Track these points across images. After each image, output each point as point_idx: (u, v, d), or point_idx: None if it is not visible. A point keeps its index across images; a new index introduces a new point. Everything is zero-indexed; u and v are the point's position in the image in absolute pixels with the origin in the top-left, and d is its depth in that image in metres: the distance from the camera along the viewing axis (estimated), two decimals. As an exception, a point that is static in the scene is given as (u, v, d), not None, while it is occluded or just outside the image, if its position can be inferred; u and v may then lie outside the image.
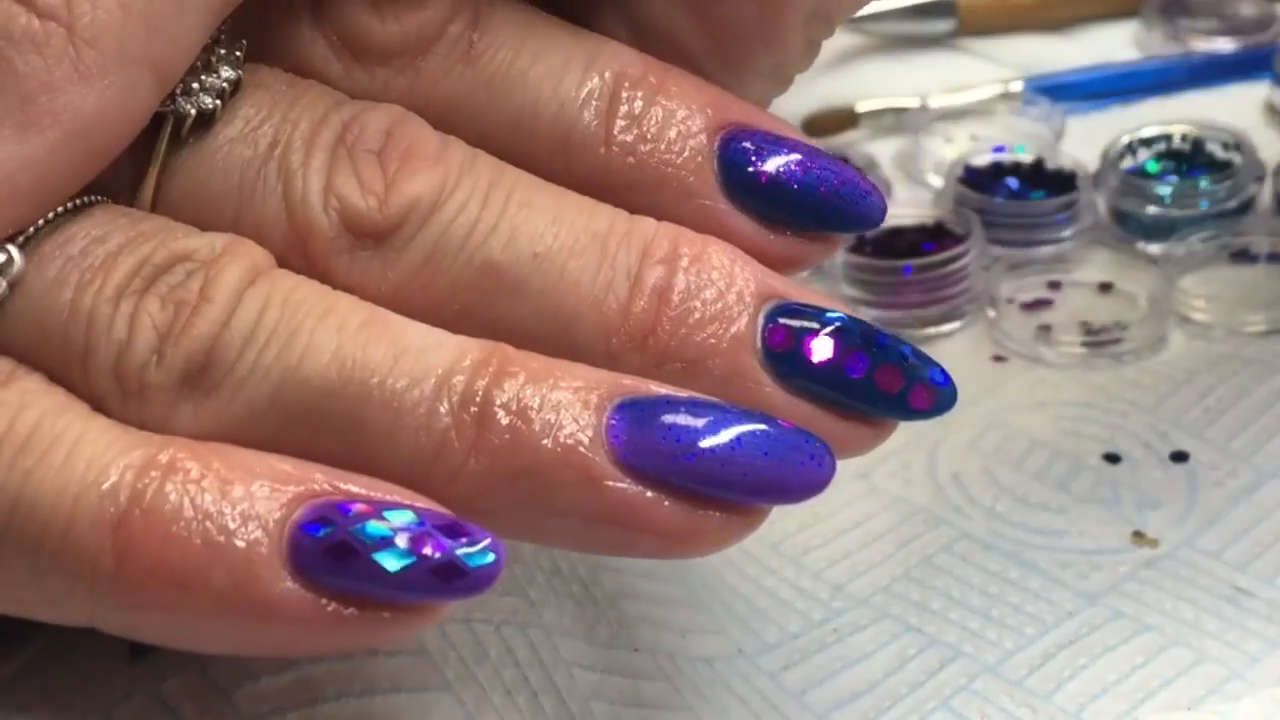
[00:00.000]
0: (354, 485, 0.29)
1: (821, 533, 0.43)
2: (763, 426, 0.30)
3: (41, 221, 0.30)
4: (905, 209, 0.53)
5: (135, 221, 0.31)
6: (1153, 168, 0.54)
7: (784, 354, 0.31)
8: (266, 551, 0.28)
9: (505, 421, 0.29)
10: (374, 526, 0.28)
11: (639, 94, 0.33)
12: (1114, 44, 0.63)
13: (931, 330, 0.50)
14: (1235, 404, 0.47)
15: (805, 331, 0.32)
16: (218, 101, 0.31)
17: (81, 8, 0.29)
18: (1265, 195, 0.54)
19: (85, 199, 0.31)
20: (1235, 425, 0.46)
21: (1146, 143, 0.55)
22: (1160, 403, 0.47)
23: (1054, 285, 0.51)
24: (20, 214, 0.30)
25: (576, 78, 0.33)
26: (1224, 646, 0.39)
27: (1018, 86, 0.60)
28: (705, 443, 0.30)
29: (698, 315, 0.31)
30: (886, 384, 0.32)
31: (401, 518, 0.28)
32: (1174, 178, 0.54)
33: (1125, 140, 0.55)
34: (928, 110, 0.59)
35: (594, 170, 0.33)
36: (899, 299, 0.50)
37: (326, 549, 0.28)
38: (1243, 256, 0.52)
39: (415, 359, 0.30)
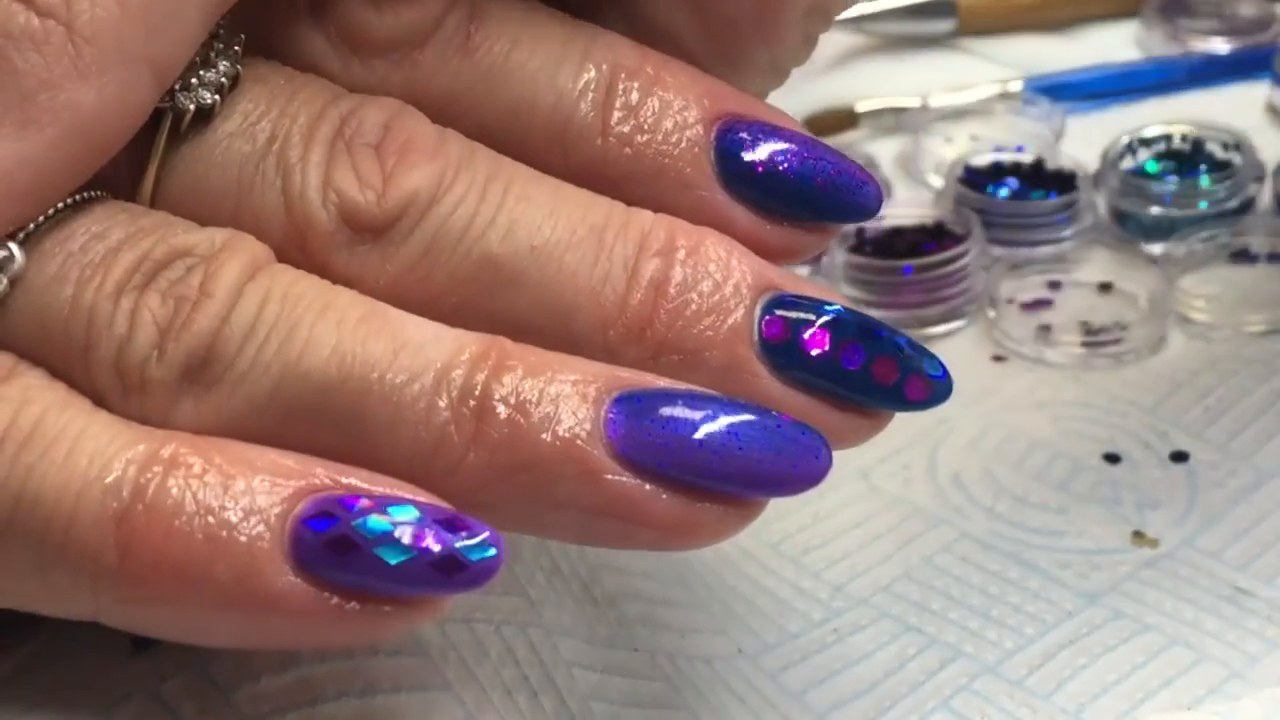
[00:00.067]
0: (355, 479, 0.29)
1: (821, 533, 0.43)
2: (760, 419, 0.30)
3: (42, 218, 0.30)
4: (905, 209, 0.53)
5: (135, 217, 0.31)
6: (1153, 168, 0.54)
7: (780, 345, 0.32)
8: (268, 545, 0.28)
9: (504, 415, 0.29)
10: (375, 521, 0.28)
11: (635, 85, 0.33)
12: (1114, 44, 0.63)
13: (931, 330, 0.50)
14: (1235, 404, 0.47)
15: (801, 323, 0.32)
16: (216, 97, 0.31)
17: (80, 5, 0.29)
18: (1265, 195, 0.54)
19: (85, 194, 0.31)
20: (1235, 425, 0.46)
21: (1146, 143, 0.55)
22: (1160, 403, 0.47)
23: (1054, 285, 0.51)
24: (20, 211, 0.30)
25: (573, 69, 0.33)
26: (1224, 646, 0.39)
27: (1017, 86, 0.60)
28: (702, 435, 0.30)
29: (694, 307, 0.31)
30: (882, 375, 0.32)
31: (402, 512, 0.28)
32: (1174, 178, 0.54)
33: (1125, 140, 0.55)
34: (928, 110, 0.59)
35: (591, 161, 0.33)
36: (899, 299, 0.50)
37: (328, 543, 0.28)
38: (1243, 256, 0.52)
39: (414, 353, 0.30)
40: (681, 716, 0.37)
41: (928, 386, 0.32)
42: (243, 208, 0.31)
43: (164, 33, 0.30)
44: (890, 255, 0.51)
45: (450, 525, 0.28)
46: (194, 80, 0.31)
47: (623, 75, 0.33)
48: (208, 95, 0.31)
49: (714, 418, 0.30)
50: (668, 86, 0.33)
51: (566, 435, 0.30)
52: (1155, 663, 0.39)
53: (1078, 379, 0.48)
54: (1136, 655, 0.39)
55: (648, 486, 0.30)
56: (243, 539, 0.28)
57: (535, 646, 0.36)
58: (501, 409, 0.30)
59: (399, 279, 0.31)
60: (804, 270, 0.52)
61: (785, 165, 0.33)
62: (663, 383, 0.30)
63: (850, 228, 0.52)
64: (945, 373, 0.32)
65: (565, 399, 0.30)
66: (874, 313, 0.49)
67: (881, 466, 0.45)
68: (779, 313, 0.32)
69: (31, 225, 0.30)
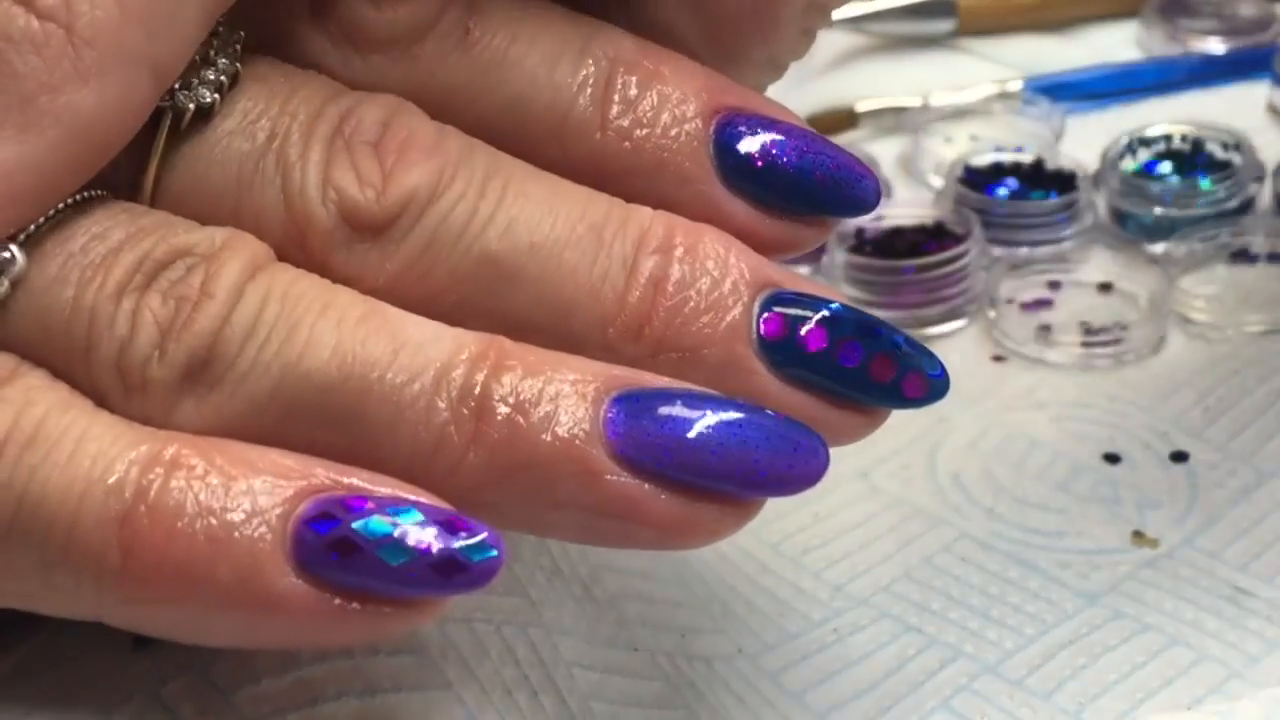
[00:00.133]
0: (355, 480, 0.29)
1: (821, 533, 0.43)
2: (758, 419, 0.30)
3: (42, 219, 0.30)
4: (905, 209, 0.53)
5: (135, 217, 0.31)
6: (1153, 168, 0.54)
7: (778, 343, 0.32)
8: (270, 546, 0.28)
9: (503, 415, 0.30)
10: (376, 522, 0.28)
11: (634, 79, 0.33)
12: (1114, 44, 0.63)
13: (931, 330, 0.50)
14: (1235, 404, 0.47)
15: (800, 320, 0.32)
16: (216, 95, 0.31)
17: (80, 8, 0.29)
18: (1265, 195, 0.54)
19: (85, 194, 0.31)
20: (1235, 425, 0.46)
21: (1146, 143, 0.55)
22: (1160, 403, 0.47)
23: (1054, 285, 0.51)
24: (21, 213, 0.30)
25: (572, 63, 0.33)
26: (1224, 646, 0.39)
27: (1017, 86, 0.60)
28: (701, 435, 0.30)
29: (692, 305, 0.31)
30: (880, 373, 0.32)
31: (403, 514, 0.29)
32: (1174, 178, 0.54)
33: (1125, 140, 0.55)
34: (928, 110, 0.59)
35: (590, 155, 0.33)
36: (899, 299, 0.50)
37: (329, 544, 0.28)
38: (1243, 256, 0.52)
39: (414, 353, 0.30)
40: (681, 716, 0.37)
41: (925, 384, 0.32)
42: (243, 206, 0.31)
43: (164, 34, 0.30)
44: (890, 255, 0.51)
45: (451, 526, 0.29)
46: (194, 79, 0.31)
47: (621, 69, 0.33)
48: (207, 94, 0.31)
49: (712, 417, 0.30)
50: (666, 80, 0.33)
51: (566, 435, 0.30)
52: (1155, 663, 0.39)
53: (1078, 379, 0.48)
54: (1136, 655, 0.39)
55: (646, 486, 0.30)
56: (245, 540, 0.28)
57: (535, 646, 0.36)
58: (501, 409, 0.30)
59: (399, 277, 0.31)
60: (805, 269, 0.52)
61: (784, 159, 0.33)
62: (661, 382, 0.31)
63: (850, 227, 0.52)
64: (943, 370, 0.32)
65: (564, 398, 0.30)
66: (874, 312, 0.49)
67: (881, 466, 0.45)
68: (777, 310, 0.32)
69: (32, 226, 0.30)
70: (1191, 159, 0.54)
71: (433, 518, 0.29)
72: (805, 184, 0.33)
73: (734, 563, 0.42)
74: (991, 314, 0.50)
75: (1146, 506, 0.44)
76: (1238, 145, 0.54)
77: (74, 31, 0.29)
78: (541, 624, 0.36)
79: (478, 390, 0.30)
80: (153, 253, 0.30)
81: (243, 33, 0.32)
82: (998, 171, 0.55)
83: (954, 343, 0.50)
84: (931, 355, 0.32)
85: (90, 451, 0.29)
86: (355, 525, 0.28)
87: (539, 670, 0.35)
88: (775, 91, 0.36)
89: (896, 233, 0.52)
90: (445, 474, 0.30)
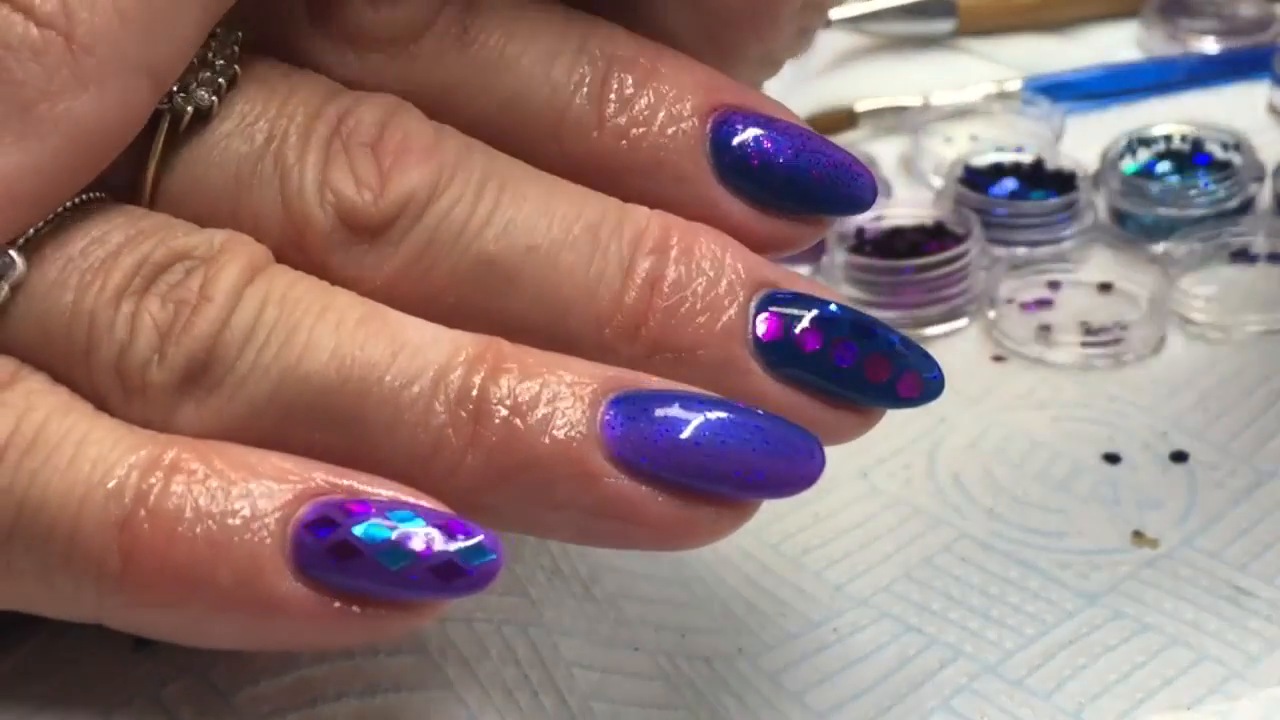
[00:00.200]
0: (355, 483, 0.29)
1: (821, 533, 0.43)
2: (755, 421, 0.30)
3: (41, 223, 0.30)
4: (905, 209, 0.53)
5: (134, 220, 0.31)
6: (1153, 168, 0.54)
7: (774, 343, 0.32)
8: (270, 550, 0.29)
9: (501, 417, 0.30)
10: (376, 526, 0.28)
11: (630, 77, 0.33)
12: (1114, 44, 0.63)
13: (931, 330, 0.50)
14: (1235, 404, 0.47)
15: (795, 320, 0.32)
16: (214, 98, 0.31)
17: (79, 15, 0.29)
18: (1265, 195, 0.54)
19: (84, 196, 0.31)
20: (1235, 425, 0.46)
21: (1146, 143, 0.55)
22: (1160, 403, 0.47)
23: (1054, 285, 0.51)
24: (21, 219, 0.30)
25: (568, 62, 0.33)
26: (1224, 646, 0.39)
27: (1016, 86, 0.60)
28: (698, 437, 0.30)
29: (688, 305, 0.31)
30: (875, 373, 0.32)
31: (402, 517, 0.29)
32: (1174, 178, 0.54)
33: (1125, 140, 0.55)
34: (928, 110, 0.59)
35: (587, 154, 0.33)
36: (899, 299, 0.50)
37: (329, 549, 0.28)
38: (1243, 256, 0.52)
39: (412, 355, 0.30)
40: (681, 716, 0.37)
41: (920, 384, 0.32)
42: (241, 207, 0.31)
43: (162, 40, 0.30)
44: (890, 255, 0.51)
45: (449, 530, 0.29)
46: (192, 81, 0.31)
47: (618, 68, 0.33)
48: (205, 96, 0.31)
49: (709, 420, 0.30)
50: (663, 78, 0.33)
51: (563, 437, 0.30)
52: (1155, 663, 0.39)
53: (1078, 379, 0.48)
54: (1136, 655, 0.39)
55: (644, 488, 0.30)
56: (245, 543, 0.29)
57: (536, 646, 0.36)
58: (498, 411, 0.30)
59: (397, 278, 0.31)
60: (804, 269, 0.52)
61: (780, 157, 0.33)
62: (658, 384, 0.31)
63: (850, 227, 0.52)
64: (938, 370, 0.33)
65: (561, 401, 0.30)
66: (874, 312, 0.49)
67: (881, 466, 0.45)
68: (773, 310, 0.32)
69: (31, 230, 0.30)
70: (1191, 159, 0.54)
71: (431, 521, 0.29)
72: (801, 182, 0.33)
73: (734, 563, 0.42)
74: (991, 314, 0.50)
75: (1146, 506, 0.44)
76: (1238, 145, 0.54)
77: (73, 39, 0.29)
78: (542, 623, 0.36)
79: (475, 393, 0.30)
80: (151, 256, 0.30)
81: (240, 33, 0.32)
82: (998, 171, 0.54)
83: (954, 343, 0.50)
84: (927, 355, 0.33)
85: (90, 456, 0.29)
86: (354, 529, 0.28)
87: (539, 670, 0.35)
88: (776, 92, 0.36)
89: (896, 233, 0.52)
90: (444, 476, 0.30)
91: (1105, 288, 0.51)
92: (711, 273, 0.32)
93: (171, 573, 0.29)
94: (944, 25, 0.63)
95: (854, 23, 0.63)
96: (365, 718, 0.32)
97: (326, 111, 0.32)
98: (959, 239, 0.51)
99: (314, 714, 0.32)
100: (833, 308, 0.32)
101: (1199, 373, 0.48)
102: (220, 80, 0.32)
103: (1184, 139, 0.55)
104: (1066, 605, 0.41)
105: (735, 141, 0.33)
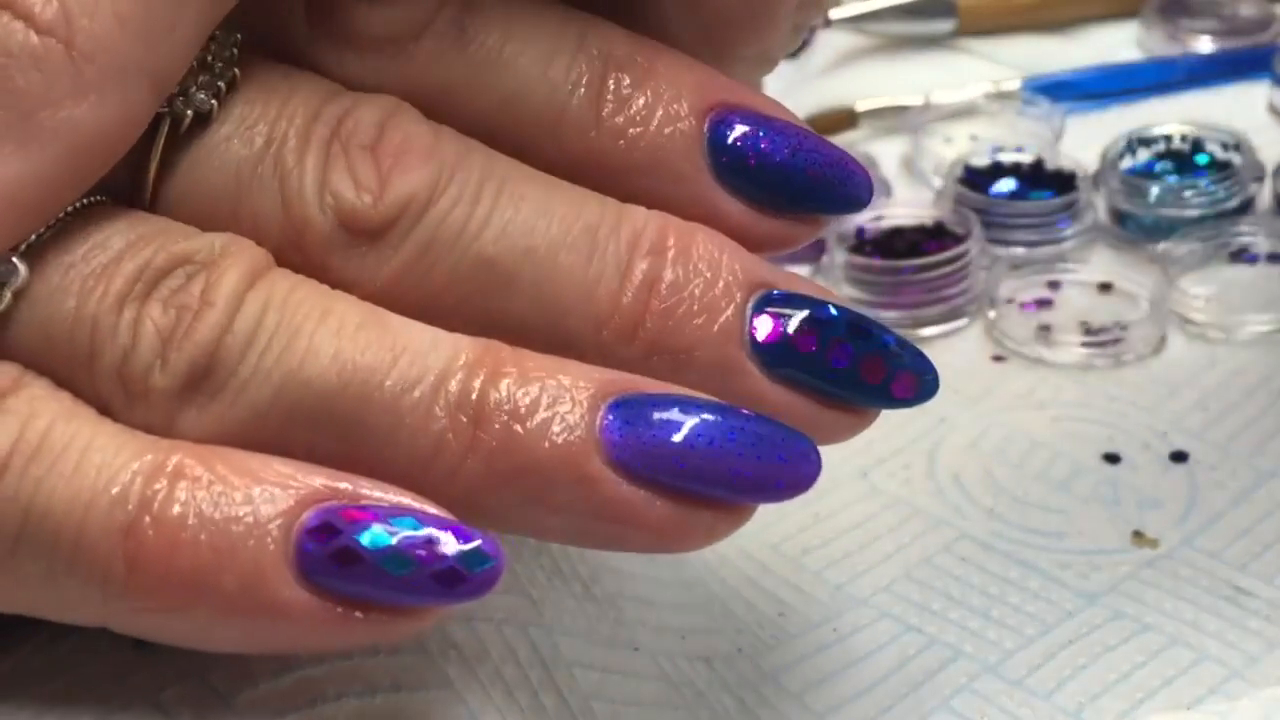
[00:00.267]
0: (357, 487, 0.29)
1: (821, 533, 0.43)
2: (752, 426, 0.31)
3: (43, 229, 0.30)
4: (905, 209, 0.53)
5: (135, 224, 0.31)
6: (1153, 168, 0.54)
7: (770, 344, 0.32)
8: (274, 556, 0.29)
9: (500, 422, 0.30)
10: (377, 533, 0.29)
11: (628, 77, 0.33)
12: (1114, 44, 0.63)
13: (931, 330, 0.50)
14: (1235, 404, 0.47)
15: (792, 321, 0.32)
16: (214, 101, 0.31)
17: (80, 23, 0.29)
18: (1265, 195, 0.54)
19: (85, 200, 0.31)
20: (1235, 425, 0.46)
21: (1146, 143, 0.55)
22: (1160, 403, 0.47)
23: (1054, 285, 0.51)
24: (23, 226, 0.30)
25: (566, 61, 0.33)
26: (1224, 646, 0.39)
27: (1016, 86, 0.60)
28: (696, 443, 0.30)
29: (685, 307, 0.32)
30: (870, 374, 0.32)
31: (404, 524, 0.29)
32: (1174, 178, 0.54)
33: (1125, 140, 0.55)
34: (928, 110, 0.59)
35: (585, 153, 0.33)
36: (899, 299, 0.50)
37: (332, 555, 0.29)
38: (1243, 256, 0.52)
39: (412, 360, 0.30)
40: (681, 716, 0.37)
41: (914, 385, 0.32)
42: (241, 209, 0.31)
43: (162, 45, 0.30)
44: (890, 255, 0.51)
45: (451, 537, 0.29)
46: (192, 85, 0.31)
47: (615, 67, 0.33)
48: (205, 99, 0.31)
49: (707, 424, 0.30)
50: (660, 78, 0.33)
51: (562, 441, 0.30)
52: (1155, 663, 0.39)
53: (1078, 379, 0.48)
54: (1136, 655, 0.39)
55: (642, 492, 0.30)
56: (248, 549, 0.29)
57: (536, 645, 0.36)
58: (497, 415, 0.30)
59: (396, 280, 0.31)
60: (804, 270, 0.52)
61: (777, 156, 0.33)
62: (657, 387, 0.31)
63: (850, 227, 0.52)
64: (932, 371, 0.33)
65: (560, 405, 0.30)
66: (874, 313, 0.49)
67: (881, 466, 0.45)
68: (770, 311, 0.32)
69: (33, 237, 0.30)
70: (1191, 159, 0.54)
71: (433, 527, 0.29)
72: (798, 181, 0.33)
73: (734, 563, 0.42)
74: (991, 314, 0.50)
75: (1146, 506, 0.44)
76: (1238, 145, 0.54)
77: (73, 46, 0.29)
78: (542, 623, 0.36)
79: (474, 397, 0.30)
80: (153, 261, 0.30)
81: (239, 35, 0.32)
82: (998, 171, 0.54)
83: (954, 343, 0.50)
84: (921, 355, 0.33)
85: (95, 462, 0.29)
86: (357, 536, 0.29)
87: (539, 669, 0.35)
88: (776, 92, 0.36)
89: (896, 233, 0.52)
90: (444, 480, 0.30)
91: (1105, 288, 0.51)
92: (708, 274, 0.32)
93: (176, 579, 0.29)
94: (944, 25, 0.64)
95: (854, 23, 0.63)
96: (365, 718, 0.32)
97: (325, 113, 0.32)
98: (959, 239, 0.51)
99: (314, 714, 0.32)
100: (829, 309, 0.32)
101: (1199, 373, 0.48)
102: (220, 83, 0.31)
103: (1184, 139, 0.55)
104: (1066, 605, 0.41)
105: (732, 141, 0.33)
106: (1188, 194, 0.53)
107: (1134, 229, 0.53)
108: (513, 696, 0.34)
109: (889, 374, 0.32)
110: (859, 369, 0.32)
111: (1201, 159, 0.54)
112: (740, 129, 0.33)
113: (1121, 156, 0.54)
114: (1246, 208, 0.53)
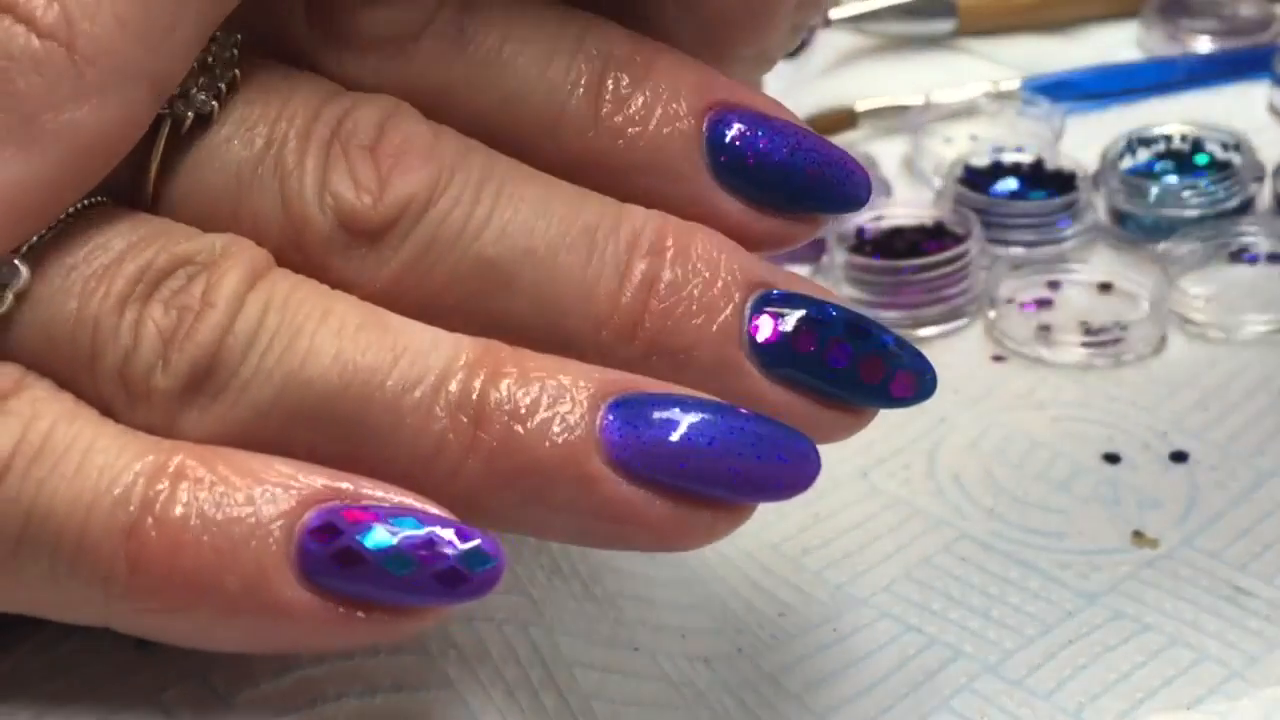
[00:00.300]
0: (358, 487, 0.29)
1: (821, 533, 0.43)
2: (752, 426, 0.31)
3: (44, 230, 0.30)
4: (905, 209, 0.53)
5: (135, 225, 0.31)
6: (1153, 168, 0.54)
7: (769, 344, 0.32)
8: (276, 556, 0.29)
9: (501, 422, 0.30)
10: (379, 533, 0.29)
11: (626, 76, 0.33)
12: (1114, 44, 0.63)
13: (931, 330, 0.50)
14: (1235, 404, 0.47)
15: (790, 321, 0.32)
16: (214, 103, 0.31)
17: (81, 26, 0.29)
18: (1265, 195, 0.54)
19: (86, 201, 0.31)
20: (1235, 425, 0.46)
21: (1146, 143, 0.55)
22: (1160, 403, 0.47)
23: (1054, 285, 0.52)
24: (25, 230, 0.30)
25: (565, 61, 0.33)
26: (1224, 646, 0.39)
27: (1016, 86, 0.60)
28: (696, 442, 0.30)
29: (684, 307, 0.32)
30: (869, 374, 0.32)
31: (406, 524, 0.29)
32: (1174, 178, 0.54)
33: (1125, 140, 0.55)
34: (928, 110, 0.59)
35: (584, 153, 0.33)
36: (899, 299, 0.50)
37: (334, 555, 0.29)
38: (1242, 256, 0.52)
39: (413, 360, 0.30)
40: (681, 716, 0.37)
41: (913, 384, 0.32)
42: (242, 210, 0.31)
43: (163, 48, 0.30)
44: (890, 255, 0.51)
45: (453, 537, 0.29)
46: (192, 86, 0.31)
47: (614, 66, 0.33)
48: (205, 100, 0.31)
49: (707, 424, 0.30)
50: (659, 77, 0.33)
51: (562, 441, 0.30)
52: (1155, 663, 0.39)
53: (1078, 379, 0.48)
54: (1136, 655, 0.39)
55: (642, 491, 0.30)
56: (250, 550, 0.29)
57: (536, 645, 0.36)
58: (498, 415, 0.30)
59: (396, 280, 0.31)
60: (804, 270, 0.52)
61: (776, 155, 0.33)
62: (657, 387, 0.31)
63: (850, 227, 0.52)
64: (931, 370, 0.33)
65: (561, 405, 0.30)
66: (874, 313, 0.49)
67: (881, 466, 0.45)
68: (768, 310, 0.32)
69: (35, 238, 0.30)
70: (1191, 159, 0.54)
71: (435, 528, 0.29)
72: (796, 180, 0.33)
73: (734, 563, 0.42)
74: (991, 314, 0.50)
75: (1146, 506, 0.44)
76: (1238, 145, 0.54)
77: (75, 49, 0.29)
78: (543, 623, 0.36)
79: (475, 397, 0.30)
80: (154, 262, 0.30)
81: (239, 36, 0.32)
82: (998, 171, 0.55)
83: (954, 343, 0.50)
84: (919, 355, 0.33)
85: (97, 463, 0.29)
86: (359, 536, 0.29)
87: (540, 669, 0.35)
88: (776, 92, 0.36)
89: (896, 233, 0.52)
90: (444, 479, 0.30)
91: (1105, 288, 0.51)
92: (707, 274, 0.32)
93: (178, 579, 0.29)
94: (944, 25, 0.64)
95: (854, 23, 0.63)
96: (365, 718, 0.32)
97: (325, 114, 0.32)
98: (959, 239, 0.51)
99: (314, 714, 0.32)
100: (828, 308, 0.32)
101: (1199, 373, 0.48)
102: (220, 84, 0.31)
103: (1184, 139, 0.55)
104: (1066, 605, 0.41)
105: (731, 140, 0.33)
106: (1188, 194, 0.53)
107: (1134, 229, 0.53)
108: (513, 696, 0.34)
109: (888, 374, 0.32)
110: (858, 369, 0.32)
111: (1201, 159, 0.54)
112: (739, 128, 0.33)
113: (1121, 156, 0.54)
114: (1246, 208, 0.53)
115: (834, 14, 0.62)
